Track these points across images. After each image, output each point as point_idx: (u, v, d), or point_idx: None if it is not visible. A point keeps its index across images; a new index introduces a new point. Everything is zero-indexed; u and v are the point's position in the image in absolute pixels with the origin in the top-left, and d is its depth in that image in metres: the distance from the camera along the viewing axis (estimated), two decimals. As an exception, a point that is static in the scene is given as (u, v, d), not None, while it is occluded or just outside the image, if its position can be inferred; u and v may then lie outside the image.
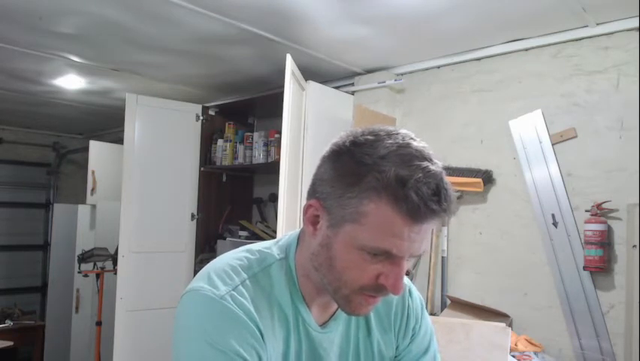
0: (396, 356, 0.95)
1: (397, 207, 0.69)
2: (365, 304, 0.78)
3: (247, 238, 3.38)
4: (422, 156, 0.71)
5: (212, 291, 0.76)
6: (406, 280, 0.82)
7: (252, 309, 0.76)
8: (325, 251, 0.76)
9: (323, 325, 0.86)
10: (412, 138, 0.74)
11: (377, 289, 0.75)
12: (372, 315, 0.91)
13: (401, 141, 0.72)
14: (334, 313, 0.87)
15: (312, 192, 0.79)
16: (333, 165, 0.76)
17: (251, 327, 0.75)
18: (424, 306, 1.01)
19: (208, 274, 0.79)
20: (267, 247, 0.86)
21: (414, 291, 0.99)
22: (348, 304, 0.78)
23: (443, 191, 0.69)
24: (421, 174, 0.68)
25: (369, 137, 0.74)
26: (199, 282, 0.78)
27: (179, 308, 0.78)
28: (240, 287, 0.77)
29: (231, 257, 0.83)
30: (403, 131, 0.76)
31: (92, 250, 3.66)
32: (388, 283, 0.74)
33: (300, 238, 0.85)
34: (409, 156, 0.70)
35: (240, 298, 0.76)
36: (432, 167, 0.70)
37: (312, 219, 0.78)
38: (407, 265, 0.75)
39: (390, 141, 0.72)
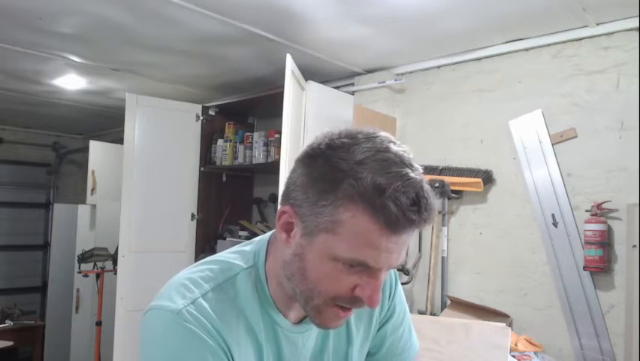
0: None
1: (375, 218, 0.65)
2: (336, 318, 0.75)
3: (247, 238, 3.35)
4: (401, 162, 0.67)
5: (169, 308, 0.72)
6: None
7: (212, 323, 0.72)
8: (298, 261, 0.73)
9: (299, 323, 0.83)
10: (391, 142, 0.70)
11: (352, 300, 0.72)
12: (352, 321, 0.88)
13: (379, 145, 0.69)
14: None
15: (286, 198, 0.75)
16: (307, 170, 0.72)
17: (210, 345, 0.71)
18: (398, 280, 0.98)
19: (168, 290, 0.76)
20: (232, 257, 0.82)
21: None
22: (318, 315, 0.75)
23: (423, 200, 0.66)
24: (399, 183, 0.65)
25: (345, 140, 0.70)
26: (158, 300, 0.75)
27: (141, 329, 0.74)
28: (200, 300, 0.74)
29: (192, 270, 0.79)
30: (382, 133, 0.72)
31: (92, 250, 3.67)
32: (365, 296, 0.71)
33: (271, 242, 0.82)
34: (388, 162, 0.67)
35: (197, 313, 0.72)
36: (412, 174, 0.67)
37: (285, 227, 0.74)
38: (385, 275, 0.72)
39: (368, 145, 0.68)
